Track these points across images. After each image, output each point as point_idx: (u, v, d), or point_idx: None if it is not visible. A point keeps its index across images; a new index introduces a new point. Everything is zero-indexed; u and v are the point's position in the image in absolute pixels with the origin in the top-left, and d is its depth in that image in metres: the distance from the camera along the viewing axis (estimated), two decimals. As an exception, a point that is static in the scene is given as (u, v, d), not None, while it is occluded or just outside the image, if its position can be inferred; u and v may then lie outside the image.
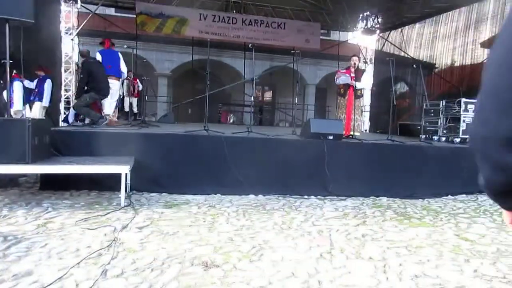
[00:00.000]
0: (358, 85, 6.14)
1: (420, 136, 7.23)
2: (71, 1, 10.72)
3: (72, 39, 10.94)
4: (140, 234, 3.02)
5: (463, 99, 6.81)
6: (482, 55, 8.71)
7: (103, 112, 6.53)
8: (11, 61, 4.05)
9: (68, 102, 10.49)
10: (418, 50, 10.92)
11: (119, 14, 14.00)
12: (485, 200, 5.31)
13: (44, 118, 7.01)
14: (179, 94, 15.16)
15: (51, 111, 7.87)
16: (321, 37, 13.21)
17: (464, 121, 6.69)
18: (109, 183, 4.25)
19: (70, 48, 10.99)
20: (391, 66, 5.95)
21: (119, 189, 3.93)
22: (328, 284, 2.29)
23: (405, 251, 2.95)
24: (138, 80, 10.20)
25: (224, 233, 3.16)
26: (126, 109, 9.51)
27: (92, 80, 5.73)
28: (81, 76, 6.03)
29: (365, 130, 12.77)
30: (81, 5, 11.05)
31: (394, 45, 11.69)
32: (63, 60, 10.71)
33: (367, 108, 13.19)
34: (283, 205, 4.35)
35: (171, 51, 14.59)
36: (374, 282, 2.35)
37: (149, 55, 13.98)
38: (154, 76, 14.44)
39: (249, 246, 2.87)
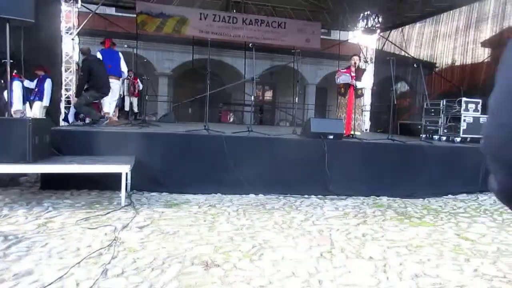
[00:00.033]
0: (359, 84, 6.13)
1: (421, 135, 7.22)
2: (72, 1, 10.72)
3: (72, 39, 10.94)
4: (140, 234, 3.02)
5: (464, 99, 6.81)
6: (482, 54, 8.70)
7: (103, 111, 6.52)
8: (11, 61, 4.05)
9: (68, 102, 10.50)
10: (419, 50, 10.91)
11: (119, 14, 14.00)
12: (485, 199, 5.31)
13: (44, 117, 7.02)
14: (179, 94, 15.16)
15: (52, 110, 7.89)
16: (321, 36, 13.20)
17: (464, 120, 6.69)
18: (109, 183, 4.26)
19: (70, 48, 10.99)
20: (392, 65, 5.95)
21: (119, 189, 3.93)
22: (329, 283, 2.29)
23: (405, 250, 2.95)
24: (138, 80, 10.20)
25: (224, 233, 3.16)
26: (126, 108, 9.51)
27: (92, 78, 5.69)
28: (81, 74, 6.01)
29: (366, 130, 12.76)
30: (81, 5, 11.05)
31: (395, 45, 11.68)
32: (64, 59, 10.73)
33: (368, 107, 13.18)
34: (284, 205, 4.35)
35: (171, 51, 14.59)
36: (375, 281, 2.35)
37: (150, 54, 13.98)
38: (155, 75, 14.44)
39: (249, 245, 2.87)
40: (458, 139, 6.70)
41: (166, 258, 2.53)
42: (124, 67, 6.98)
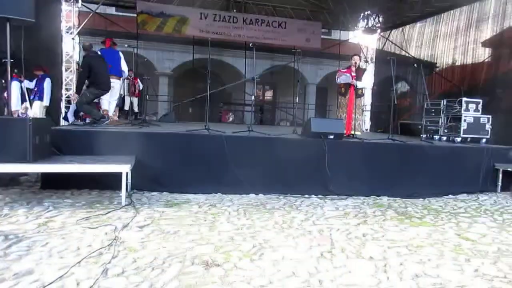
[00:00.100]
0: (359, 84, 6.13)
1: (421, 135, 7.21)
2: (72, 0, 10.73)
3: (73, 38, 10.96)
4: (141, 233, 3.02)
5: (464, 99, 6.81)
6: (483, 54, 8.69)
7: (101, 109, 6.50)
8: (12, 60, 4.05)
9: (69, 101, 10.50)
10: (419, 49, 10.91)
11: (120, 13, 14.00)
12: (486, 199, 5.31)
13: (44, 117, 7.02)
14: (180, 93, 15.16)
15: (52, 110, 7.89)
16: (322, 36, 13.21)
17: (465, 120, 6.69)
18: (110, 182, 4.25)
19: (71, 47, 11.01)
20: (392, 65, 5.95)
21: (120, 188, 3.93)
22: (329, 283, 2.29)
23: (405, 250, 2.95)
24: (138, 80, 10.20)
25: (224, 232, 3.16)
26: (126, 108, 9.51)
27: (92, 74, 5.64)
28: (81, 70, 5.97)
29: (366, 130, 12.77)
30: (81, 4, 11.07)
31: (395, 44, 11.67)
32: (64, 59, 10.74)
33: (368, 107, 13.19)
34: (284, 204, 4.35)
35: (172, 50, 14.59)
36: (375, 281, 2.34)
37: (150, 54, 13.98)
38: (155, 75, 14.44)
39: (249, 245, 2.87)
40: (459, 139, 6.70)
41: (166, 258, 2.53)
42: (124, 67, 6.97)
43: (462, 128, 6.67)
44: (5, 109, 4.78)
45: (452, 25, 9.74)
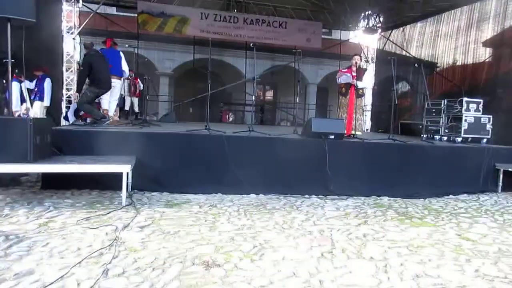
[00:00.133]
0: (360, 84, 6.13)
1: (422, 135, 7.22)
2: (73, 0, 10.74)
3: (73, 38, 10.97)
4: (141, 234, 3.02)
5: (465, 99, 6.80)
6: (484, 54, 8.68)
7: (101, 108, 6.50)
8: (13, 61, 4.05)
9: (69, 101, 10.51)
10: (420, 49, 10.90)
11: (120, 13, 14.01)
12: (486, 199, 5.31)
13: (45, 117, 7.03)
14: (180, 94, 15.16)
15: (53, 110, 7.90)
16: (322, 36, 13.20)
17: (465, 120, 6.68)
18: (110, 182, 4.25)
19: (71, 47, 11.01)
20: (393, 65, 5.95)
21: (120, 189, 3.93)
22: (329, 283, 2.28)
23: (406, 250, 2.95)
24: (139, 80, 10.21)
25: (225, 233, 3.16)
26: (127, 108, 9.52)
27: (92, 73, 5.62)
28: (81, 68, 5.95)
29: (367, 130, 12.77)
30: (82, 4, 11.08)
31: (396, 44, 11.67)
32: (65, 59, 10.75)
33: (369, 107, 13.18)
34: (284, 205, 4.35)
35: (172, 50, 14.60)
36: (375, 281, 2.34)
37: (151, 54, 13.99)
38: (156, 75, 14.45)
39: (250, 245, 2.87)
40: (459, 139, 6.69)
41: (167, 258, 2.53)
42: (125, 67, 6.97)
43: (462, 128, 6.67)
44: (5, 109, 4.79)
45: (453, 25, 9.73)
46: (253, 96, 6.68)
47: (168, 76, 15.09)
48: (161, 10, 11.52)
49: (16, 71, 6.48)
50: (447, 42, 9.86)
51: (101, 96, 6.26)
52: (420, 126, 7.67)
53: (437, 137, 7.21)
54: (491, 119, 6.79)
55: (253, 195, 4.73)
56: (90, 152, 4.42)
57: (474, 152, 5.92)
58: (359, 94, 6.21)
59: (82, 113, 7.14)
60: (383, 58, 11.50)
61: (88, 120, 6.60)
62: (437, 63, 10.15)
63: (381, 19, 12.05)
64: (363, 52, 13.24)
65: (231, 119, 15.47)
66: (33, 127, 3.62)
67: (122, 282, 2.16)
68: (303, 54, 8.98)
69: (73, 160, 4.00)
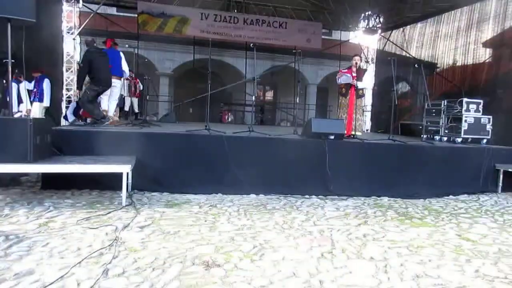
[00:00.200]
0: (360, 84, 6.12)
1: (422, 136, 7.21)
2: (73, 1, 10.75)
3: (73, 39, 10.97)
4: (141, 234, 3.02)
5: (465, 99, 6.80)
6: (484, 54, 8.68)
7: (101, 108, 6.49)
8: (13, 61, 4.05)
9: (69, 102, 10.51)
10: (420, 50, 10.90)
11: (120, 14, 14.02)
12: (486, 200, 5.31)
13: (44, 117, 7.03)
14: (180, 94, 15.17)
15: (53, 110, 7.90)
16: (322, 36, 13.21)
17: (465, 121, 6.68)
18: (110, 183, 4.26)
19: (71, 48, 11.02)
20: (393, 65, 5.95)
21: (120, 189, 3.93)
22: (329, 284, 2.28)
23: (406, 251, 2.95)
24: (139, 80, 10.20)
25: (225, 233, 3.16)
26: (126, 108, 9.52)
27: (91, 70, 5.58)
28: (81, 65, 5.92)
29: (367, 130, 12.77)
30: (82, 5, 11.08)
31: (396, 45, 11.67)
32: (65, 59, 10.75)
33: (369, 107, 13.18)
34: (284, 205, 4.35)
35: (172, 51, 14.60)
36: (375, 282, 2.34)
37: (151, 54, 14.00)
38: (156, 75, 14.45)
39: (250, 245, 2.87)
40: (459, 140, 6.69)
41: (167, 258, 2.53)
42: (125, 67, 6.97)
43: (462, 129, 6.67)
44: (5, 109, 4.78)
45: (453, 26, 9.73)
46: (253, 97, 6.68)
47: (168, 76, 15.10)
48: (161, 11, 11.52)
49: (16, 71, 6.48)
50: (447, 43, 9.86)
51: (101, 97, 6.26)
52: (420, 127, 7.67)
53: (437, 137, 7.21)
54: (491, 119, 6.79)
55: (253, 195, 4.73)
56: (90, 152, 4.42)
57: (474, 152, 5.92)
58: (359, 94, 6.21)
59: (81, 111, 7.13)
60: (383, 59, 11.50)
61: (88, 120, 6.60)
62: (437, 63, 10.16)
63: (381, 19, 12.05)
64: (363, 53, 13.24)
65: (230, 119, 15.47)
66: (33, 127, 3.62)
67: (122, 282, 2.16)
68: (303, 55, 8.98)
69: (73, 160, 4.00)
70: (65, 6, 10.59)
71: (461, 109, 6.74)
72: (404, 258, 2.78)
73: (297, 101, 6.76)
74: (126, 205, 3.85)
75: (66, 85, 10.83)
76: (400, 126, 9.71)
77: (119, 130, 5.26)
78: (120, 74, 6.82)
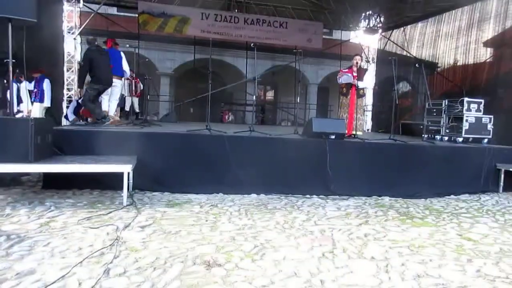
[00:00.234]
0: (361, 84, 6.12)
1: (423, 135, 7.21)
2: (74, 1, 10.75)
3: (74, 39, 10.97)
4: (142, 233, 3.02)
5: (466, 99, 6.79)
6: (484, 54, 8.67)
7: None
8: (14, 61, 4.06)
9: (70, 101, 10.52)
10: (421, 49, 10.89)
11: (121, 14, 14.02)
12: (487, 200, 5.30)
13: (44, 117, 7.05)
14: (181, 93, 15.18)
15: (53, 110, 7.91)
16: (323, 36, 13.18)
17: (466, 120, 6.68)
18: (111, 182, 4.26)
19: (72, 48, 11.02)
20: (394, 65, 5.95)
21: (121, 188, 3.93)
22: (330, 283, 2.28)
23: (407, 250, 2.95)
24: (139, 80, 10.21)
25: (226, 232, 3.16)
26: (127, 108, 9.52)
27: (92, 69, 5.58)
28: (81, 63, 5.92)
29: (367, 130, 12.76)
30: (83, 5, 11.08)
31: (397, 44, 11.66)
32: (66, 59, 10.75)
33: (369, 107, 13.18)
34: (285, 205, 4.34)
35: (173, 50, 14.61)
36: (377, 281, 2.34)
37: (151, 54, 14.01)
38: (156, 75, 14.46)
39: (251, 245, 2.87)
40: (460, 139, 6.69)
41: (168, 258, 2.54)
42: (126, 67, 6.98)
43: (463, 128, 6.66)
44: (5, 109, 4.79)
45: (453, 25, 9.72)
46: (254, 96, 6.69)
47: (169, 76, 15.10)
48: (161, 10, 11.52)
49: (17, 71, 6.49)
50: (448, 42, 9.85)
51: (102, 97, 6.26)
52: (421, 126, 7.67)
53: (438, 137, 7.21)
54: (492, 119, 6.78)
55: (254, 195, 4.73)
56: (91, 152, 4.43)
57: (475, 152, 5.91)
58: (360, 94, 6.20)
59: (81, 110, 7.14)
60: (384, 58, 11.49)
61: (89, 119, 6.61)
62: (437, 63, 10.15)
63: (382, 19, 12.04)
64: (364, 52, 13.23)
65: (230, 119, 15.48)
66: (34, 127, 3.62)
67: (123, 281, 2.16)
68: (304, 54, 8.97)
69: (74, 160, 4.01)
70: (66, 6, 10.59)
71: (462, 109, 6.74)
72: (405, 257, 2.78)
73: (298, 101, 6.77)
74: (127, 205, 3.85)
75: (67, 85, 10.84)
76: (401, 126, 9.71)
77: (120, 130, 5.27)
78: (121, 74, 6.83)
